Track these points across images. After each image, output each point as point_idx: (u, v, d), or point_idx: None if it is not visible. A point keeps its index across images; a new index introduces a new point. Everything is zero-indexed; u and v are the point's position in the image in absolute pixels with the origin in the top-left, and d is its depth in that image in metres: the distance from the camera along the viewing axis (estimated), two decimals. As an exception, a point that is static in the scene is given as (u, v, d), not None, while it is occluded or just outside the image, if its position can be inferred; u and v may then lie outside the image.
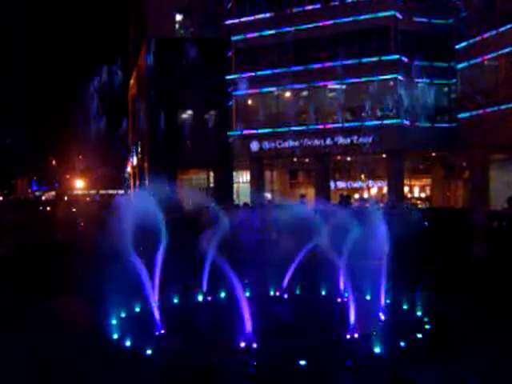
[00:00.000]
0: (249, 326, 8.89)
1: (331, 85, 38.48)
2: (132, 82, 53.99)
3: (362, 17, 36.10)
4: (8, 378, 8.04)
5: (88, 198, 68.52)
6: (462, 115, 34.54)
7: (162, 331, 9.60)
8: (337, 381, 8.06)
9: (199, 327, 10.16)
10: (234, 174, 43.39)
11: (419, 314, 10.90)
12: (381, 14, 35.81)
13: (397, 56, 35.71)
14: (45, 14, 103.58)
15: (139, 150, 47.93)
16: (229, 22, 40.45)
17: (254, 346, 8.66)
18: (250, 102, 41.65)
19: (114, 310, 10.45)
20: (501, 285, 13.12)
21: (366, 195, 42.08)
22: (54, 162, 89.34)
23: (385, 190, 39.75)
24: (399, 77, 35.93)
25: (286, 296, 13.06)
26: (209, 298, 12.65)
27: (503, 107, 30.61)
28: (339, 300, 12.02)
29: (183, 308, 11.99)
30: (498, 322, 10.45)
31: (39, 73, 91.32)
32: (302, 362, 8.15)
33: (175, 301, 12.35)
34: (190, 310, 11.74)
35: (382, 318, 10.42)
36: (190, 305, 12.28)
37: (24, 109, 76.78)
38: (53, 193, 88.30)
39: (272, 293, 13.27)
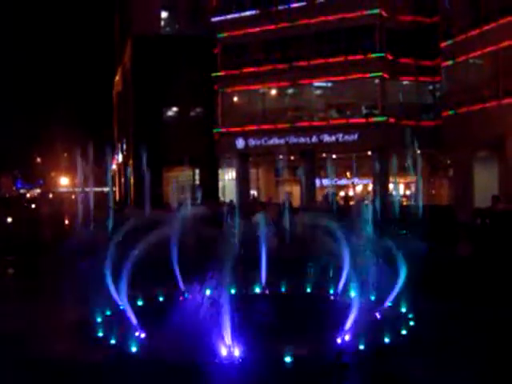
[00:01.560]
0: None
1: (316, 82, 38.56)
2: (117, 78, 53.75)
3: (348, 14, 36.13)
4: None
5: (73, 196, 68.09)
6: (446, 113, 34.71)
7: None
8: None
9: None
10: (220, 171, 43.28)
11: (404, 310, 10.91)
12: (366, 12, 35.85)
13: (382, 54, 35.78)
14: (31, 11, 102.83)
15: (124, 147, 47.70)
16: (214, 19, 40.31)
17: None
18: (235, 99, 41.61)
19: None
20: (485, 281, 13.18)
21: (351, 193, 42.17)
22: (38, 160, 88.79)
23: (370, 187, 39.84)
24: (384, 74, 36.02)
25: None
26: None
27: (488, 105, 30.80)
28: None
29: None
30: (481, 320, 10.51)
31: (23, 69, 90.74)
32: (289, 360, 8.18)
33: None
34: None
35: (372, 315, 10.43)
36: None
37: (7, 106, 76.17)
38: (38, 190, 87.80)
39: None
